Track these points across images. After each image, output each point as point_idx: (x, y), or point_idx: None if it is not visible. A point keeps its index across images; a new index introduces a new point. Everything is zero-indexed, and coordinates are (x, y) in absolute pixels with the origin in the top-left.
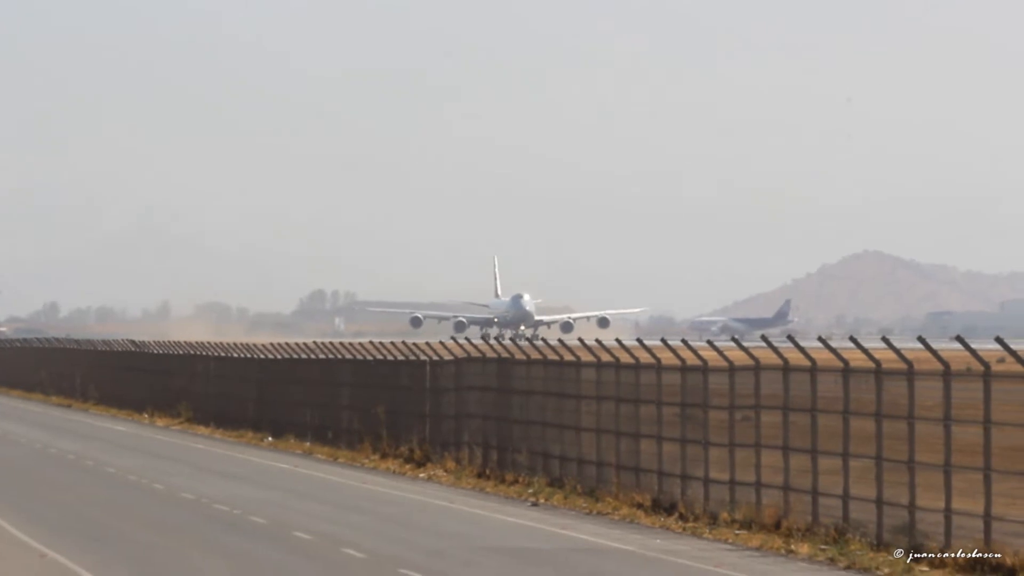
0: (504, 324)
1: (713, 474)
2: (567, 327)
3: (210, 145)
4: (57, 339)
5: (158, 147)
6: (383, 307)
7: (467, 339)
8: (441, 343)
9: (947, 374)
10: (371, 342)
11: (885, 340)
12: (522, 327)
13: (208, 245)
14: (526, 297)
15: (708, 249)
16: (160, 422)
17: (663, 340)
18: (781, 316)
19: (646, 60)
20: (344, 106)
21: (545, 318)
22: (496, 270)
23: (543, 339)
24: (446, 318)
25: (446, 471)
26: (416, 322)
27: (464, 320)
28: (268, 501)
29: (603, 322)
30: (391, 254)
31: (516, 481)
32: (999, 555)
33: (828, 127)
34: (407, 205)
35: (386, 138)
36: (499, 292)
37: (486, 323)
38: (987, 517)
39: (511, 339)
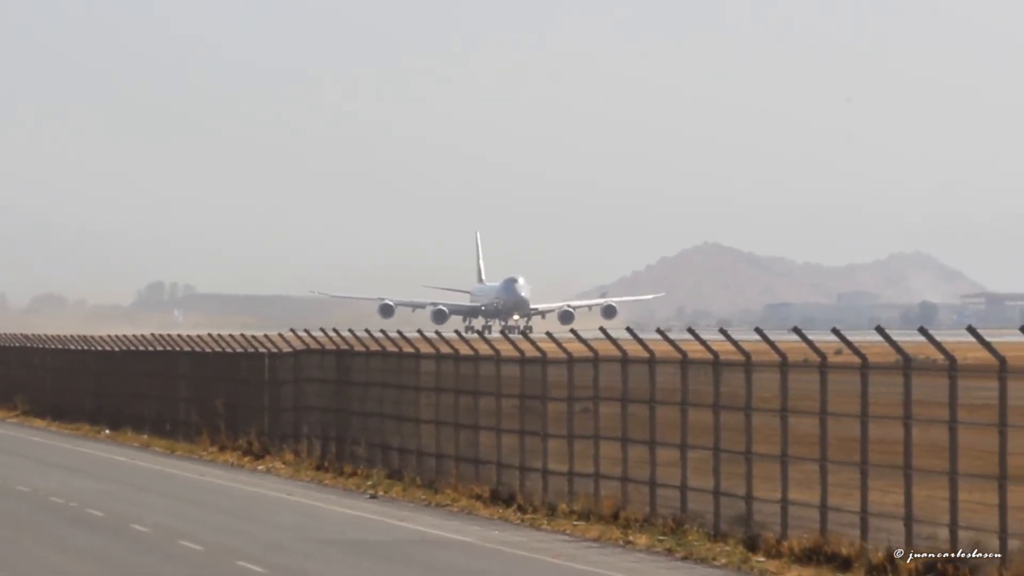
0: (492, 313)
1: (552, 465)
2: (567, 316)
3: (60, 132)
4: None
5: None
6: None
7: (306, 331)
8: (280, 335)
9: (784, 365)
10: (209, 334)
11: (723, 331)
12: (515, 316)
13: (46, 235)
14: (521, 281)
15: (546, 242)
16: None
17: (502, 332)
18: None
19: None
20: (207, 96)
21: (540, 306)
22: (479, 250)
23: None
24: (421, 306)
25: (284, 463)
26: (386, 310)
27: (445, 309)
28: (105, 493)
29: (608, 311)
30: (234, 244)
31: (355, 473)
32: (835, 546)
33: (662, 124)
34: (260, 193)
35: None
36: (483, 276)
37: (471, 312)
38: (823, 508)
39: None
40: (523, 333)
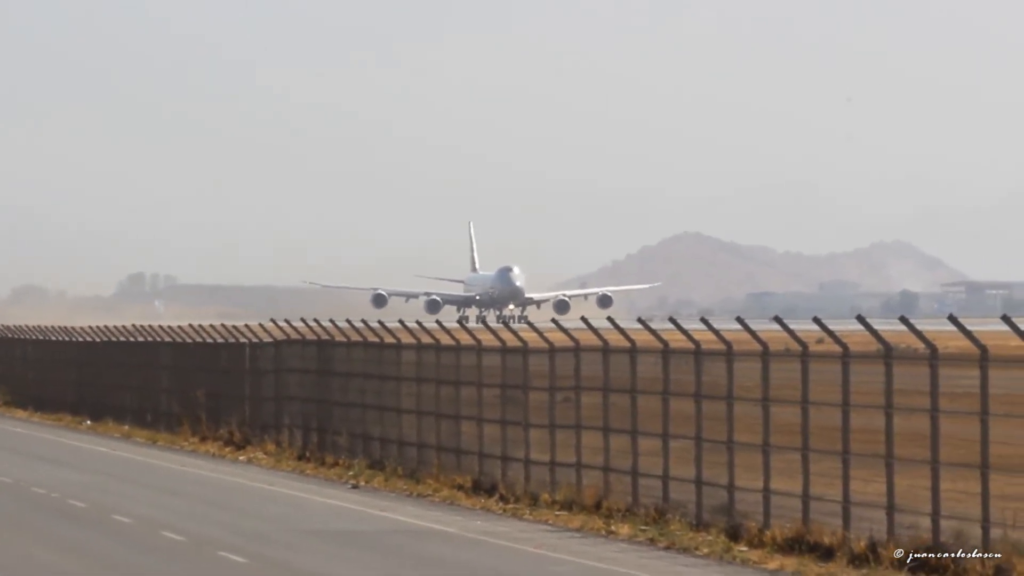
0: (487, 303)
1: (534, 455)
2: (562, 306)
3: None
4: None
5: None
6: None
7: (287, 320)
8: (261, 325)
9: (766, 355)
10: (191, 325)
11: (704, 321)
12: (511, 306)
13: (27, 226)
14: (516, 270)
15: (528, 232)
16: None
17: (483, 321)
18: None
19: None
20: (207, 96)
21: (536, 296)
22: (472, 239)
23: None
24: (415, 296)
25: (266, 454)
26: (380, 300)
27: (438, 299)
28: (87, 484)
29: (604, 301)
30: (235, 244)
31: (336, 463)
32: (817, 536)
33: (658, 122)
34: (238, 188)
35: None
36: (477, 265)
37: (465, 302)
38: (805, 497)
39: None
40: (504, 323)
